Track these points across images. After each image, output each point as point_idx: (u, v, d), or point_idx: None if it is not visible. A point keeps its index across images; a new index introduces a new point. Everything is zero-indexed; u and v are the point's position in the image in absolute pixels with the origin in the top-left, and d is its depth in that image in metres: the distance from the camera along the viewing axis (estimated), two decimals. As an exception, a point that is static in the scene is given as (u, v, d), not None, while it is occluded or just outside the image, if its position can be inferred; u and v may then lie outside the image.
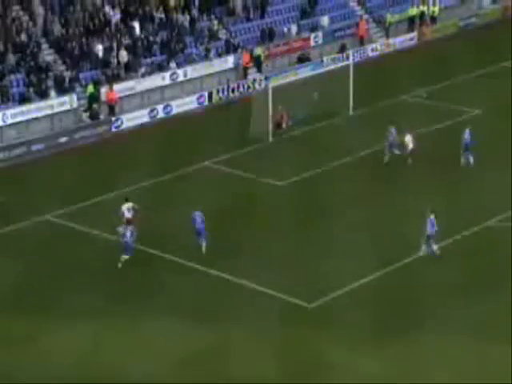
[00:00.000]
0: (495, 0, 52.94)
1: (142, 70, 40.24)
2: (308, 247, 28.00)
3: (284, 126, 36.54)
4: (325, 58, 44.58)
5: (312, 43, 45.62)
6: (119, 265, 26.70)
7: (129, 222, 28.15)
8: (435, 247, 26.92)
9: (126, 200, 28.87)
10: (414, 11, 48.72)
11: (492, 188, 31.14)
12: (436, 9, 49.61)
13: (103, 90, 38.60)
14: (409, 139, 33.11)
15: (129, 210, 28.70)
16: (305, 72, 42.10)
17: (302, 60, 44.60)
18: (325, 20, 46.43)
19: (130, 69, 39.98)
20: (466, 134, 33.03)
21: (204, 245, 27.40)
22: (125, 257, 26.75)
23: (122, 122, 38.20)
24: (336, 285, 25.60)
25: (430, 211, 26.82)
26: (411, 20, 48.69)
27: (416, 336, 23.33)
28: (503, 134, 35.86)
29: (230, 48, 43.11)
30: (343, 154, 34.55)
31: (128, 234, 26.84)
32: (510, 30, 49.00)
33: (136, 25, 41.30)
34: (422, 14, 49.01)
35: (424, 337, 23.28)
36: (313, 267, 26.82)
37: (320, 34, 45.88)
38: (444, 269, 26.35)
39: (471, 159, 32.78)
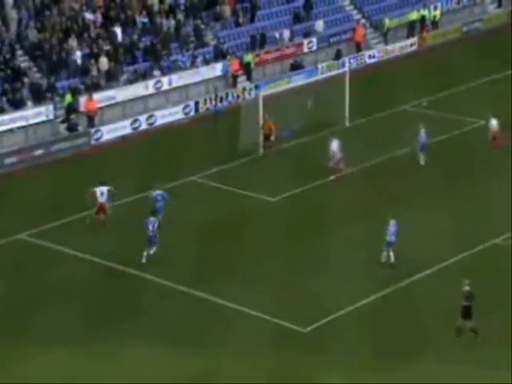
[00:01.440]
0: (500, 4, 53.29)
1: (124, 77, 40.20)
2: (302, 266, 27.92)
3: (272, 138, 36.27)
4: (319, 65, 44.70)
5: (306, 49, 45.74)
6: (143, 260, 27.43)
7: (102, 208, 28.06)
8: (392, 256, 27.05)
9: (101, 183, 29.00)
10: (414, 15, 48.89)
11: (501, 203, 31.12)
12: (437, 13, 49.81)
13: (82, 99, 38.50)
14: (334, 146, 33.16)
15: (102, 193, 28.54)
16: (298, 80, 42.19)
17: (295, 67, 44.68)
18: (319, 25, 46.60)
19: (110, 77, 39.92)
20: (422, 134, 33.87)
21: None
22: (149, 251, 27.50)
23: (101, 134, 38.09)
24: (332, 307, 25.50)
25: (392, 217, 27.21)
26: (411, 25, 48.85)
27: (416, 363, 23.22)
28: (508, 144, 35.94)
29: (218, 55, 43.14)
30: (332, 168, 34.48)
31: (150, 226, 27.52)
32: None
33: (117, 30, 41.29)
34: (423, 18, 49.18)
35: (424, 364, 23.16)
36: (308, 288, 26.72)
37: (314, 39, 46.01)
38: (447, 289, 26.28)
39: (422, 159, 33.63)
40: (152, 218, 28.17)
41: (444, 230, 29.59)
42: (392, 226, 27.48)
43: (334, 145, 33.81)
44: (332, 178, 33.28)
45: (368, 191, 32.60)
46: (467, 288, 24.25)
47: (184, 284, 26.95)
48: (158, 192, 29.92)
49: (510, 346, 23.49)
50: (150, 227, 27.89)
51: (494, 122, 35.33)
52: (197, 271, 27.74)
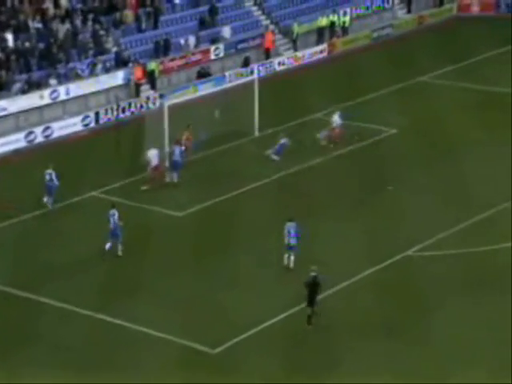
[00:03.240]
0: (410, 9, 54.60)
1: (17, 87, 39.28)
2: (211, 283, 27.81)
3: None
4: (227, 73, 44.80)
5: (212, 56, 45.78)
6: (119, 252, 28.76)
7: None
8: (292, 260, 27.50)
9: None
10: (323, 21, 49.54)
11: (411, 215, 31.71)
12: (347, 19, 50.62)
13: (-29, 111, 37.65)
14: (152, 154, 33.42)
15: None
16: (205, 88, 42.17)
17: (202, 75, 44.65)
18: (226, 31, 46.71)
19: (1, 86, 38.97)
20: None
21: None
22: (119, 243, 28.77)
23: (-7, 148, 37.27)
24: (243, 326, 25.42)
25: (289, 220, 27.72)
26: (321, 31, 49.51)
27: (328, 378, 23.38)
28: (423, 156, 36.75)
29: (119, 62, 42.69)
30: (249, 179, 34.60)
31: (111, 219, 28.82)
32: (426, 42, 50.66)
33: (9, 36, 40.36)
34: (333, 24, 49.93)
35: (336, 379, 23.34)
36: (216, 306, 26.60)
37: (221, 46, 46.09)
38: (359, 304, 26.57)
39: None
40: (112, 210, 28.96)
41: (357, 242, 29.95)
42: (290, 227, 27.68)
43: (152, 153, 33.56)
44: (144, 187, 33.28)
45: (280, 203, 32.76)
46: (313, 274, 25.13)
47: (86, 307, 26.49)
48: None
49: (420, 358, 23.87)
50: (111, 220, 28.73)
51: (336, 118, 36.84)
52: (99, 292, 27.32)
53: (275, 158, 36.35)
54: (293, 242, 27.80)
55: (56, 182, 32.30)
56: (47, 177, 32.42)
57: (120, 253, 29.10)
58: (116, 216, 28.98)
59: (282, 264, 27.93)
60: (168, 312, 26.31)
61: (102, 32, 43.07)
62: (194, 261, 29.19)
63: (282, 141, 36.54)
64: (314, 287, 25.21)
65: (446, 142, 37.85)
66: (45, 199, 32.45)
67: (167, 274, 28.35)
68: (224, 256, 29.35)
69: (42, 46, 40.92)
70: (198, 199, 33.22)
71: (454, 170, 35.05)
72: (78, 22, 42.80)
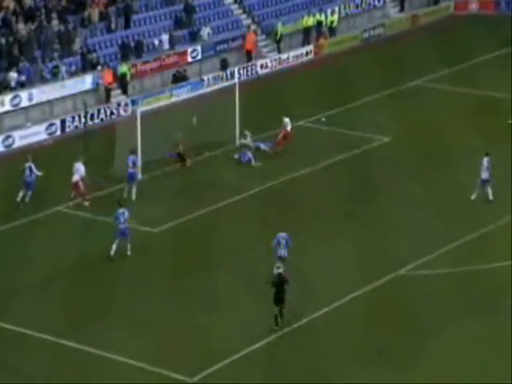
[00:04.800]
0: (403, 8, 55.10)
1: (-26, 92, 39.49)
2: (188, 306, 27.83)
3: (188, 162, 36.75)
4: (205, 77, 45.04)
5: (189, 59, 45.99)
6: (128, 252, 30.20)
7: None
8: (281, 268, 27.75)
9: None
10: (309, 21, 49.87)
11: (404, 230, 31.93)
12: (335, 18, 51.03)
13: None
14: (78, 168, 33.51)
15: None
16: (181, 93, 42.39)
17: (178, 79, 44.87)
18: (205, 31, 46.99)
19: (-44, 91, 39.14)
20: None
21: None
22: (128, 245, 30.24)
23: (-50, 158, 37.31)
24: (222, 353, 25.43)
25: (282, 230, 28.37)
26: (306, 31, 49.82)
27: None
28: (416, 165, 37.08)
29: (87, 65, 42.83)
30: (229, 192, 34.77)
31: (121, 218, 30.02)
32: (420, 43, 51.11)
33: (-36, 36, 40.55)
34: (319, 24, 50.27)
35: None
36: (194, 331, 26.62)
37: (199, 47, 46.34)
38: (349, 326, 26.71)
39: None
40: (121, 209, 29.94)
41: (345, 259, 30.12)
42: (281, 239, 28.27)
43: (78, 167, 33.67)
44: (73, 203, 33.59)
45: (263, 217, 32.92)
46: (279, 271, 26.03)
47: (50, 332, 26.45)
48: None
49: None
50: (121, 219, 29.87)
51: (286, 120, 37.86)
52: (65, 316, 27.30)
53: (257, 165, 36.68)
54: (284, 253, 28.19)
55: (37, 172, 33.30)
56: (27, 171, 33.22)
57: (129, 252, 30.22)
58: (126, 215, 29.98)
59: (269, 280, 27.86)
60: (142, 337, 26.29)
61: (68, 32, 43.06)
62: (170, 281, 29.21)
63: (262, 146, 37.38)
64: (280, 285, 25.92)
65: (441, 151, 38.17)
66: (21, 194, 33.19)
67: (141, 296, 28.34)
68: (203, 275, 29.40)
69: (1, 46, 40.83)
70: (175, 213, 33.27)
71: (450, 181, 35.35)
72: (43, 19, 42.77)
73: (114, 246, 30.04)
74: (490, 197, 33.50)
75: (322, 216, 33.05)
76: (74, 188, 33.77)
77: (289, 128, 37.98)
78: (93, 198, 34.25)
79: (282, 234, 28.56)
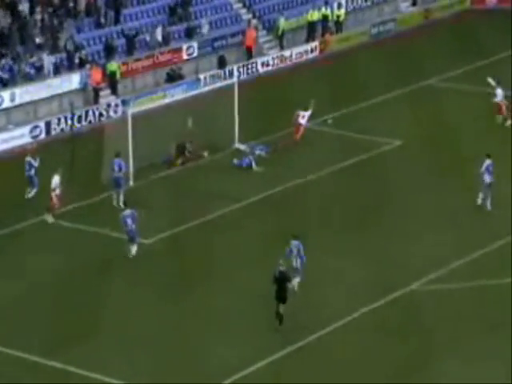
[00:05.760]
0: (415, 1, 55.17)
1: (-50, 91, 39.47)
2: (182, 324, 27.75)
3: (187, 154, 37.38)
4: (202, 76, 45.07)
5: (185, 56, 46.04)
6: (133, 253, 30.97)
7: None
8: (296, 285, 27.94)
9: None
10: (314, 15, 49.91)
11: (416, 241, 31.83)
12: (342, 12, 51.07)
13: None
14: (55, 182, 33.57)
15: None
16: (176, 93, 42.40)
17: (172, 78, 44.90)
18: (202, 26, 47.00)
19: None
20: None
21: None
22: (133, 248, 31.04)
23: None
24: (218, 375, 25.27)
25: (294, 237, 28.67)
26: (311, 26, 49.87)
27: None
28: (430, 172, 36.98)
29: (73, 63, 42.80)
30: (227, 200, 34.73)
31: (128, 220, 30.73)
32: (434, 39, 51.14)
33: None
34: (325, 18, 50.34)
35: None
36: (188, 353, 26.49)
37: (195, 43, 46.37)
38: (358, 345, 26.68)
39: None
40: (128, 211, 30.88)
41: (354, 273, 30.05)
42: (293, 247, 28.40)
43: (56, 179, 33.67)
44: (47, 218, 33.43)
45: (265, 227, 32.87)
46: (281, 269, 26.76)
47: (33, 352, 26.36)
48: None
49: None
50: (129, 221, 30.62)
51: (301, 112, 38.78)
52: (50, 334, 27.21)
53: (258, 169, 36.67)
54: (295, 264, 28.29)
55: (34, 164, 34.39)
56: (27, 166, 34.30)
57: (134, 252, 30.95)
58: (133, 216, 30.72)
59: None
60: (132, 357, 26.21)
61: (53, 26, 43.03)
62: (162, 297, 29.14)
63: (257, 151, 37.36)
64: (281, 282, 26.71)
65: (456, 156, 38.13)
66: (28, 190, 34.48)
67: (131, 312, 28.27)
68: (198, 291, 29.32)
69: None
70: (169, 223, 33.24)
71: (466, 188, 35.29)
72: (26, 11, 42.65)
73: (130, 248, 31.04)
74: (489, 207, 33.51)
75: (328, 226, 33.01)
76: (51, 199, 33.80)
77: (302, 121, 38.76)
78: (77, 207, 34.20)
79: (294, 242, 28.58)
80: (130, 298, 29.12)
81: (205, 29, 46.71)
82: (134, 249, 31.05)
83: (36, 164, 34.50)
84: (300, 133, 39.06)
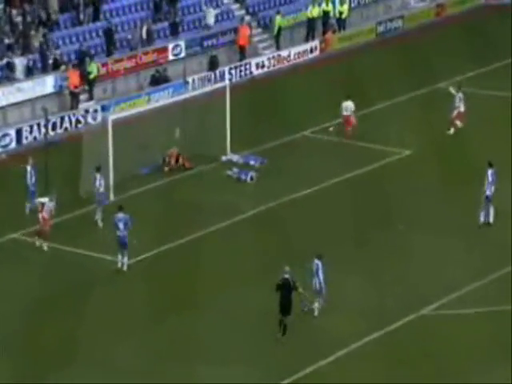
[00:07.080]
0: (425, -4, 55.50)
1: None
2: (168, 352, 27.74)
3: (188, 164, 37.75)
4: (190, 78, 45.26)
5: (171, 56, 46.24)
6: (124, 267, 31.29)
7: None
8: (317, 309, 28.16)
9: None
10: (314, 11, 50.08)
11: (426, 262, 31.95)
12: (345, 8, 51.28)
13: None
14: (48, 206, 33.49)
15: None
16: (161, 98, 42.57)
17: (157, 80, 45.08)
18: (210, 17, 47.03)
19: None
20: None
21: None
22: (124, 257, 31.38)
23: None
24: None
25: (317, 257, 28.99)
26: (311, 24, 50.11)
27: None
28: (442, 184, 37.13)
29: (47, 64, 42.91)
30: (219, 215, 34.85)
31: (120, 225, 31.17)
32: (446, 38, 51.35)
33: None
34: (326, 15, 50.57)
35: None
36: (176, 380, 26.58)
37: (182, 42, 46.59)
38: (366, 373, 26.78)
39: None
40: (121, 214, 31.30)
41: (359, 296, 30.15)
42: (315, 264, 28.68)
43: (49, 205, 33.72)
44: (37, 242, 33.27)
45: (260, 246, 32.97)
46: (285, 276, 27.24)
47: (11, 380, 26.43)
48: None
49: None
50: (121, 226, 31.02)
51: (345, 104, 40.33)
52: (24, 363, 27.21)
53: (252, 181, 36.95)
54: (315, 286, 28.55)
55: (28, 169, 34.75)
56: (28, 176, 34.82)
57: (126, 267, 31.30)
58: (128, 222, 31.15)
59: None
60: (112, 388, 26.35)
61: (25, 23, 43.04)
62: (147, 321, 29.17)
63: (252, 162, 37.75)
64: (285, 290, 27.07)
65: (470, 166, 38.16)
66: (36, 201, 34.04)
67: (112, 339, 28.30)
68: (187, 315, 29.34)
69: None
70: (153, 241, 33.28)
71: (480, 202, 35.31)
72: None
73: (120, 257, 31.27)
74: (491, 219, 33.59)
75: (329, 244, 33.02)
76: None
77: (346, 113, 40.21)
78: (61, 223, 34.33)
79: (316, 261, 28.80)
80: (110, 323, 29.13)
81: (210, 20, 46.69)
82: (125, 259, 31.35)
83: (29, 168, 34.78)
84: (351, 124, 40.27)
